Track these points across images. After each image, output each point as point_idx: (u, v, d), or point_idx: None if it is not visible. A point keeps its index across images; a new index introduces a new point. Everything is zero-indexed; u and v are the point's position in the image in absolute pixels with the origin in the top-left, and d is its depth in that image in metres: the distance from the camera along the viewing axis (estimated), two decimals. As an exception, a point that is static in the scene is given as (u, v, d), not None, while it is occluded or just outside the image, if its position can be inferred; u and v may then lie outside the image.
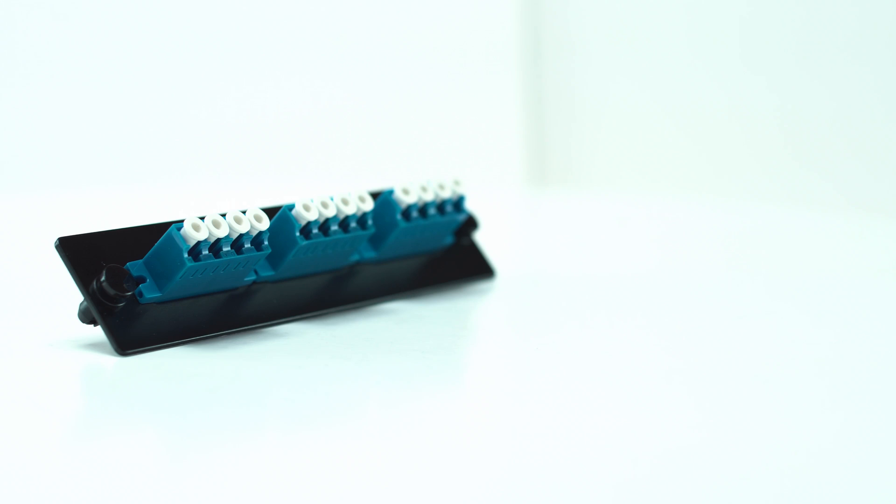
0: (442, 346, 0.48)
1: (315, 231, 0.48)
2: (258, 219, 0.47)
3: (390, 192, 0.52)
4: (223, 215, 0.46)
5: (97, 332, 0.47)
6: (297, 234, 0.48)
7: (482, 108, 1.02)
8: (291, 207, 0.48)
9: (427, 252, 0.54)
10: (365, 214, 0.50)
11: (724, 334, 0.49)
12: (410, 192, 0.52)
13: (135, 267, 0.46)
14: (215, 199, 0.79)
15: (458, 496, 0.34)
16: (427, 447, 0.37)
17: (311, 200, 0.48)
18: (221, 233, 0.46)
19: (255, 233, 0.47)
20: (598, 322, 0.51)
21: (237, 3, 0.96)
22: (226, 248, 0.46)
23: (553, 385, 0.42)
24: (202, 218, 0.46)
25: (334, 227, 0.49)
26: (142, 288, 0.46)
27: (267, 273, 0.49)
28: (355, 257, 0.52)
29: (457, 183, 0.53)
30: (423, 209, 0.52)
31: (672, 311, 0.53)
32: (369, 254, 0.52)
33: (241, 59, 0.96)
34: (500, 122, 1.03)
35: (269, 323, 0.49)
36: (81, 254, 0.45)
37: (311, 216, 0.48)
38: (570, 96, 1.00)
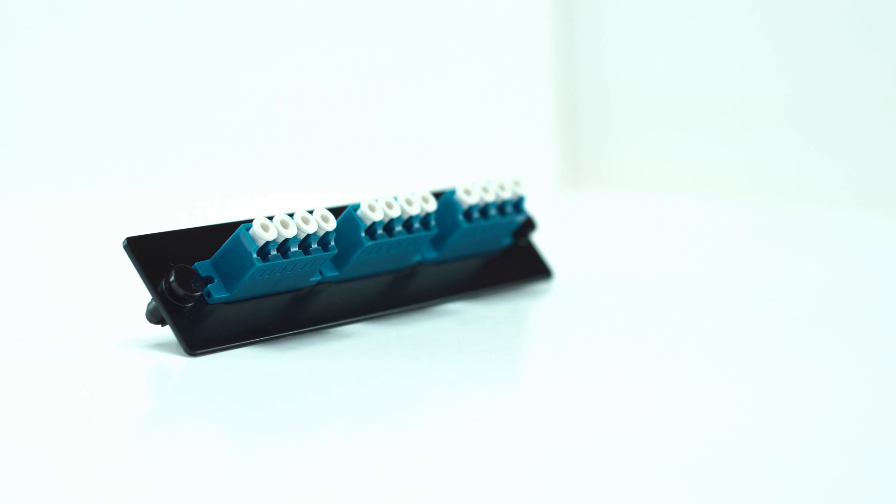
0: (510, 347, 0.48)
1: (380, 231, 0.48)
2: (325, 219, 0.47)
3: (452, 193, 0.52)
4: (291, 215, 0.46)
5: (164, 333, 0.47)
6: (363, 234, 0.48)
7: (514, 107, 1.02)
8: (356, 207, 0.48)
9: (486, 253, 0.54)
10: (428, 215, 0.49)
11: (786, 336, 0.49)
12: (472, 193, 0.52)
13: (202, 267, 0.46)
14: (258, 200, 0.80)
15: (541, 497, 0.34)
16: (506, 447, 0.37)
17: (376, 200, 0.48)
18: (290, 233, 0.46)
19: (322, 233, 0.46)
20: (660, 322, 0.51)
21: (283, 4, 0.97)
22: (293, 249, 0.46)
23: (626, 385, 0.42)
24: (270, 218, 0.46)
25: (398, 228, 0.49)
26: (209, 288, 0.46)
27: (331, 273, 0.49)
28: (417, 258, 0.51)
29: (517, 184, 0.53)
30: (483, 210, 0.52)
31: (731, 313, 0.53)
32: (430, 254, 0.52)
33: (289, 65, 0.97)
34: (532, 121, 1.03)
35: (334, 323, 0.48)
36: (149, 254, 0.45)
37: (377, 216, 0.48)
38: (604, 95, 1.00)
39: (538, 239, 0.57)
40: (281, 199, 0.78)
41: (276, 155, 0.96)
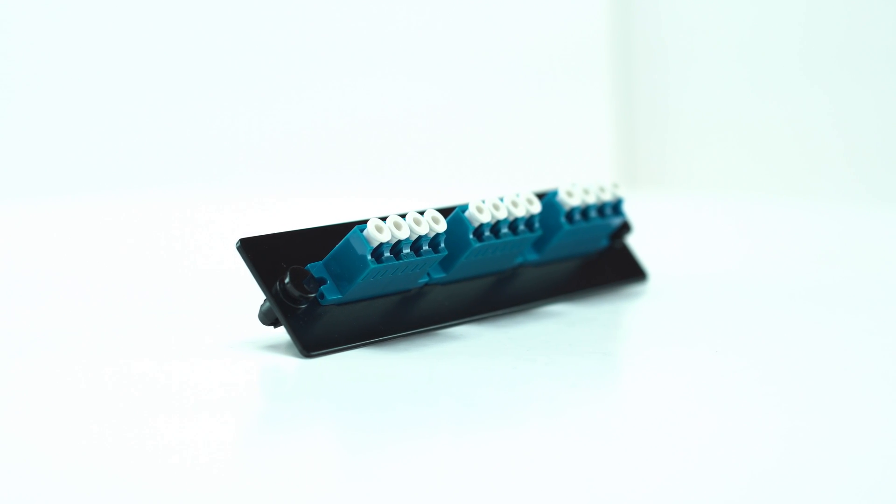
0: (621, 349, 0.48)
1: (487, 233, 0.48)
2: (436, 220, 0.47)
3: (554, 194, 0.52)
4: (402, 216, 0.46)
5: (276, 334, 0.47)
6: (471, 235, 0.48)
7: (572, 109, 1.02)
8: (464, 209, 0.48)
9: (584, 254, 0.54)
10: (532, 217, 0.49)
11: (888, 336, 0.49)
12: (574, 195, 0.52)
13: (314, 268, 0.46)
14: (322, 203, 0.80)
15: (675, 497, 0.34)
16: (635, 446, 0.37)
17: (483, 202, 0.48)
18: (403, 234, 0.46)
19: (432, 234, 0.46)
20: (760, 323, 0.51)
21: (352, 20, 0.98)
22: (405, 250, 0.46)
23: (748, 388, 0.42)
24: (383, 219, 0.45)
25: (504, 230, 0.49)
26: (322, 289, 0.46)
27: (438, 275, 0.49)
28: (519, 259, 0.51)
29: (616, 186, 0.53)
30: (584, 212, 0.52)
31: (825, 312, 0.53)
32: (531, 256, 0.52)
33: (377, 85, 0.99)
34: (589, 123, 1.03)
35: (441, 325, 0.48)
36: (262, 255, 0.45)
37: (485, 218, 0.48)
38: (660, 96, 1.00)
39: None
40: (352, 204, 0.78)
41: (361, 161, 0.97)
